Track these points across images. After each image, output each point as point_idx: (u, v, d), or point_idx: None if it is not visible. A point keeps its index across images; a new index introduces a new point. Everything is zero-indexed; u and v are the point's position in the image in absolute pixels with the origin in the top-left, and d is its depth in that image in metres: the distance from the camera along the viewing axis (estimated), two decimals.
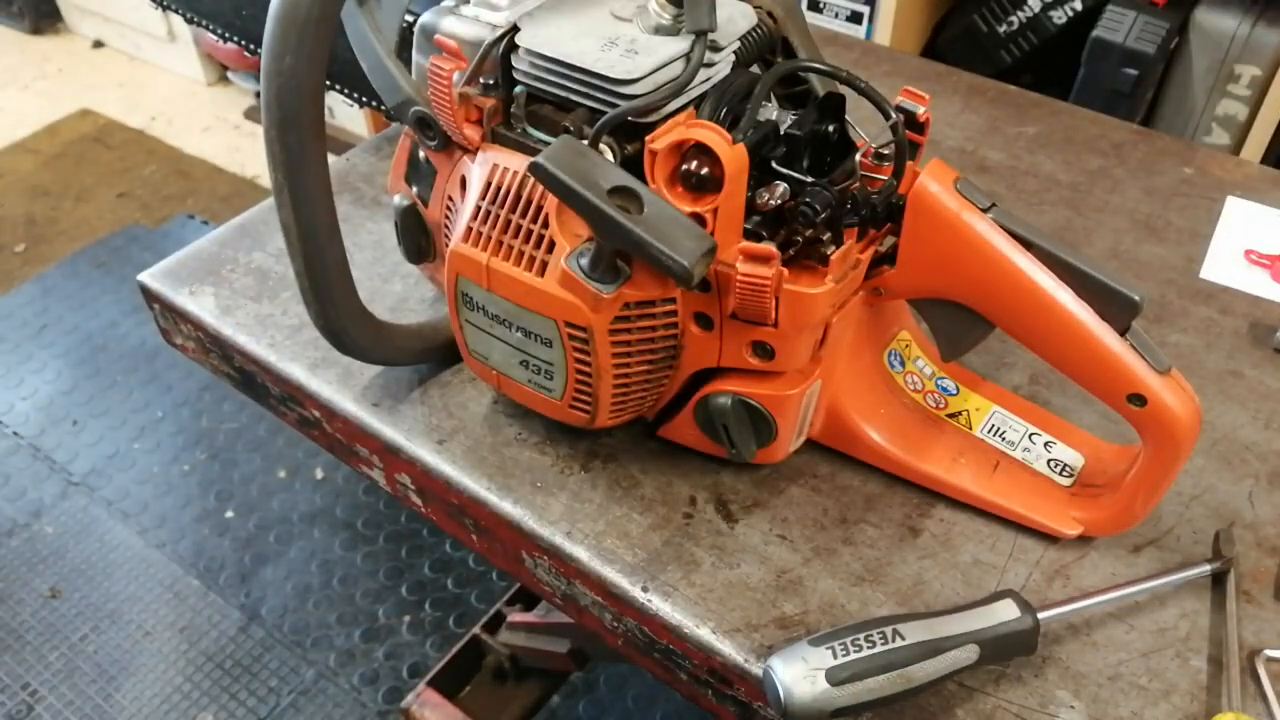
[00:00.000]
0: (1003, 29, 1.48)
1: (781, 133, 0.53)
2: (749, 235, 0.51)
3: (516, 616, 1.29)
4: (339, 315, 0.58)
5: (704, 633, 0.54)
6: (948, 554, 0.58)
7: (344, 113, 2.24)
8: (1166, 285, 0.76)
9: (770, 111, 0.55)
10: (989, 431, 0.61)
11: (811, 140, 0.53)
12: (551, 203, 0.52)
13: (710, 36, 0.53)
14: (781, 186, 0.50)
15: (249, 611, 1.52)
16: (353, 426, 0.66)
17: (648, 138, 0.49)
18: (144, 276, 0.76)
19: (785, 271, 0.50)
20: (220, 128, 2.51)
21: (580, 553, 0.58)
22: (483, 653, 1.31)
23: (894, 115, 0.53)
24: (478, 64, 0.54)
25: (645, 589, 0.56)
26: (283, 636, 1.49)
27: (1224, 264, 0.78)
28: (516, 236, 0.53)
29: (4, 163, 2.40)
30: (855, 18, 1.53)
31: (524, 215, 0.53)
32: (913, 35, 1.58)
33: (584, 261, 0.51)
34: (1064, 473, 0.60)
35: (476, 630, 1.30)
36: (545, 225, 0.52)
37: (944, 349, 0.57)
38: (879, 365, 0.61)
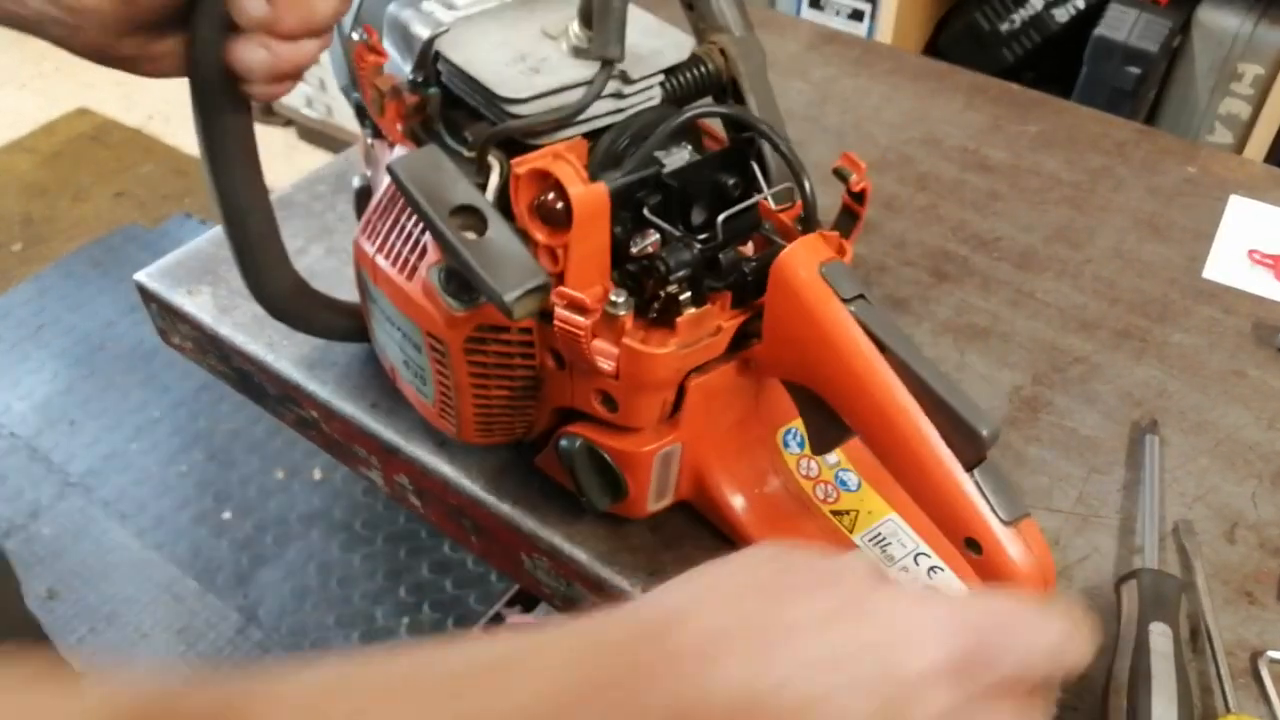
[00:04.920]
0: (1005, 27, 1.48)
1: (660, 179, 0.49)
2: (625, 280, 0.49)
3: (516, 618, 1.29)
4: (265, 280, 0.58)
5: None
6: None
7: (343, 112, 2.23)
8: (1169, 285, 0.76)
9: (680, 156, 0.51)
10: (871, 539, 0.55)
11: (702, 189, 0.50)
12: None
13: (623, 68, 0.50)
14: (653, 235, 0.48)
15: (247, 613, 1.51)
16: (350, 427, 0.66)
17: (513, 161, 0.47)
18: (141, 276, 0.76)
19: (628, 324, 0.47)
20: None
21: (579, 554, 0.58)
22: None
23: (806, 182, 0.49)
24: (417, 61, 0.53)
25: (645, 589, 0.56)
26: (281, 638, 1.48)
27: (1227, 264, 0.78)
28: (399, 237, 0.52)
29: (1, 161, 2.39)
30: (857, 15, 1.52)
31: (410, 217, 0.52)
32: (914, 33, 1.57)
33: (443, 275, 0.49)
34: None
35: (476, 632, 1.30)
36: (424, 230, 0.51)
37: (811, 440, 0.52)
38: (767, 441, 0.57)
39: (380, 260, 0.53)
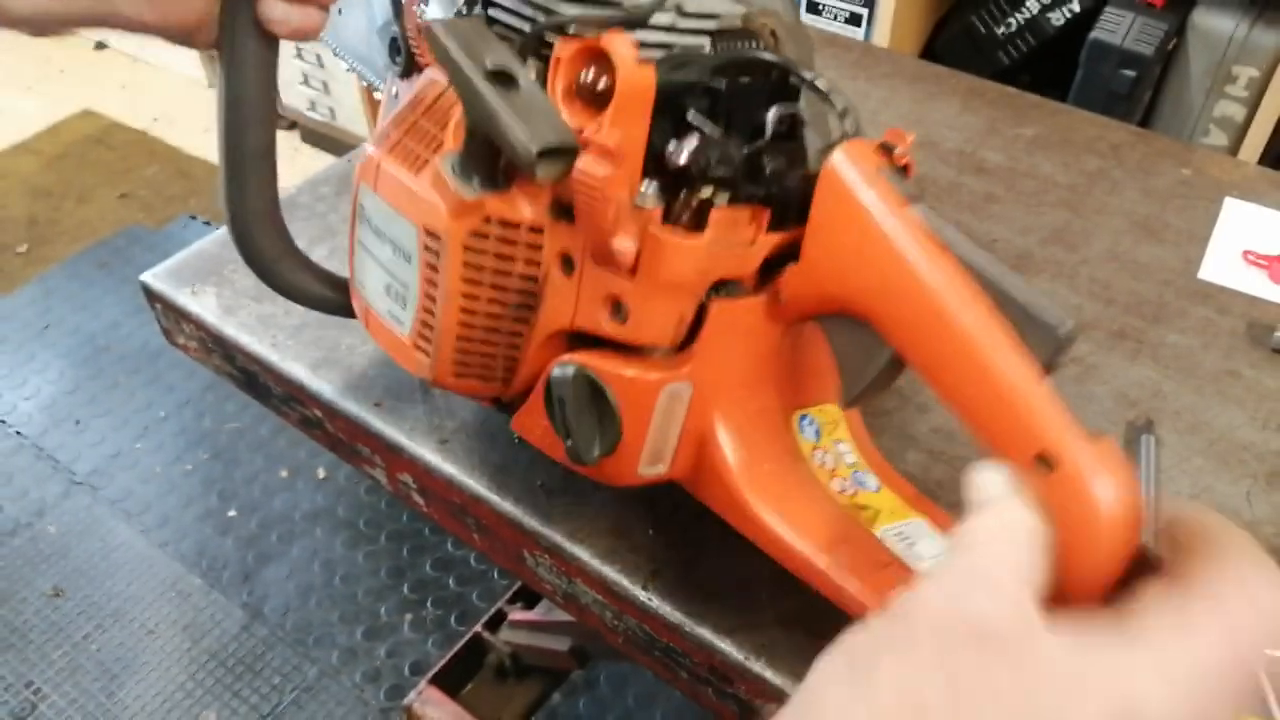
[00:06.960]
0: (1001, 30, 1.49)
1: (709, 86, 0.46)
2: (661, 193, 0.46)
3: (518, 615, 1.29)
4: (249, 216, 0.55)
5: (704, 631, 0.55)
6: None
7: (345, 113, 2.24)
8: (1165, 286, 0.77)
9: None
10: (895, 534, 0.50)
11: (748, 112, 0.47)
12: (457, 108, 0.49)
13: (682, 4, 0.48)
14: (693, 142, 0.44)
15: (251, 610, 1.52)
16: (354, 426, 0.67)
17: (560, 41, 0.45)
18: (146, 276, 0.76)
19: (655, 217, 0.45)
20: None
21: (581, 551, 0.58)
22: (484, 651, 1.32)
23: (846, 104, 0.46)
24: None
25: (646, 587, 0.56)
26: (285, 635, 1.49)
27: (1222, 264, 0.78)
28: (415, 137, 0.51)
29: (6, 163, 2.40)
30: (854, 19, 1.53)
31: (430, 119, 0.51)
32: (911, 37, 1.58)
33: (457, 162, 0.48)
34: None
35: (478, 628, 1.31)
36: (444, 128, 0.49)
37: (845, 385, 0.48)
38: (781, 420, 0.53)
39: (386, 162, 0.51)
